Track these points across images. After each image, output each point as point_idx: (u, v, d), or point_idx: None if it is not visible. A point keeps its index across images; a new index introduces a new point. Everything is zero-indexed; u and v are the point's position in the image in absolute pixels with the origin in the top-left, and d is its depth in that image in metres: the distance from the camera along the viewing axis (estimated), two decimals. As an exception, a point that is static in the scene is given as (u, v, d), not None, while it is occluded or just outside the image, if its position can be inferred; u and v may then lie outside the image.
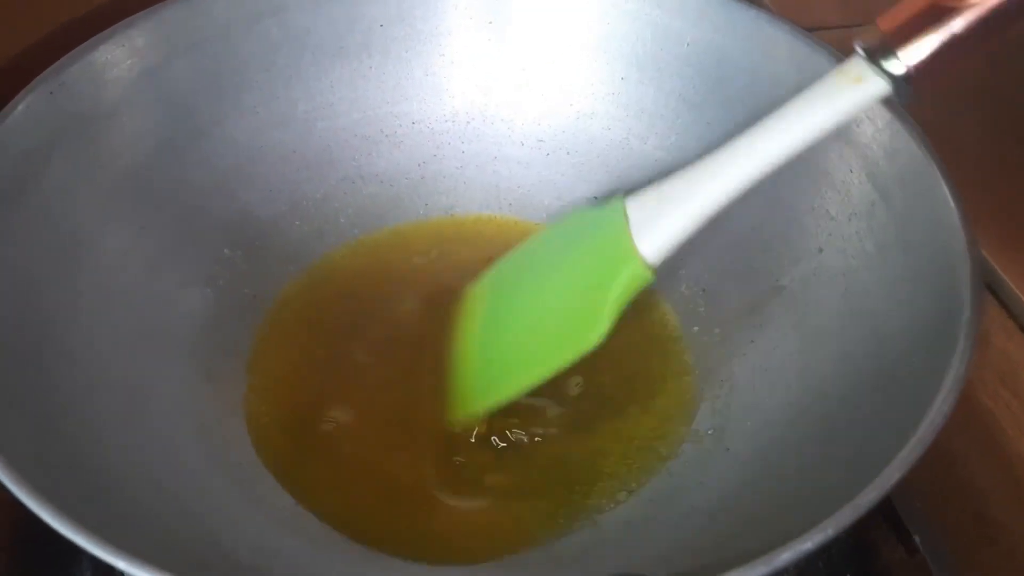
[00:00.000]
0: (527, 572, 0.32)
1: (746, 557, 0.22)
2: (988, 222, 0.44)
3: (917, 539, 0.39)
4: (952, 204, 0.31)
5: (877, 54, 0.29)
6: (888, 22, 0.29)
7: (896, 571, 0.38)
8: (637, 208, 0.34)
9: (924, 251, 0.32)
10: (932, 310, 0.30)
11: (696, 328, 0.40)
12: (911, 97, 0.29)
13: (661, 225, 0.33)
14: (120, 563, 0.22)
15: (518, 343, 0.37)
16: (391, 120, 0.45)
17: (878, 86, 0.29)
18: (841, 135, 0.37)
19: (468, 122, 0.46)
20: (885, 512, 0.40)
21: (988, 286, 0.43)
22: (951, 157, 0.34)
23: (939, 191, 0.32)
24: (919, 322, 0.31)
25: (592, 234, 0.36)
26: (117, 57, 0.37)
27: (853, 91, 0.29)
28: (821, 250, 0.37)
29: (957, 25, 0.27)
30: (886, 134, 0.35)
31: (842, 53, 0.38)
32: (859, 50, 0.29)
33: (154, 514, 0.29)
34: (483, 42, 0.45)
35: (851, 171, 0.36)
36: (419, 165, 0.45)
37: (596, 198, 0.45)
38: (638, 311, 0.42)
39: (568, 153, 0.45)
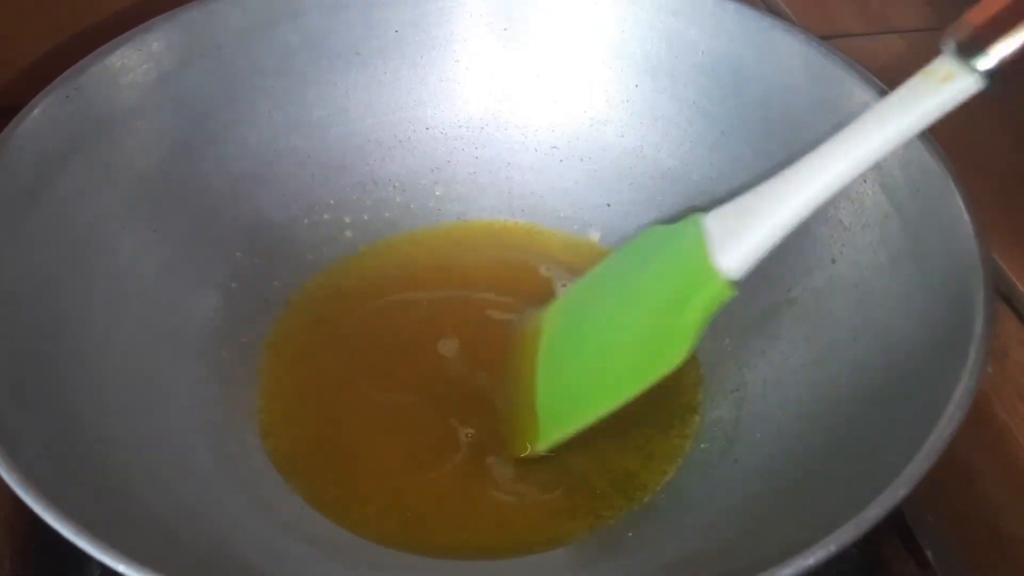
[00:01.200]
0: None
1: (746, 572, 0.22)
2: (1006, 233, 0.44)
3: (929, 554, 0.38)
4: (966, 216, 0.31)
5: (967, 50, 0.28)
6: (979, 16, 0.28)
7: (907, 586, 0.38)
8: (716, 224, 0.32)
9: (937, 262, 0.32)
10: (945, 322, 0.30)
11: (707, 338, 0.40)
12: (1001, 90, 0.28)
13: (743, 239, 0.31)
14: (122, 567, 0.22)
15: (595, 369, 0.36)
16: (405, 125, 0.45)
17: (968, 83, 0.28)
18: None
19: (482, 128, 0.46)
20: (897, 527, 0.39)
21: (1006, 299, 0.43)
22: (969, 168, 0.34)
23: (953, 202, 0.32)
24: (932, 334, 0.31)
25: (668, 252, 0.34)
26: (134, 61, 0.38)
27: (942, 90, 0.28)
28: (834, 261, 0.37)
29: None
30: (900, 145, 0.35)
31: (863, 63, 0.38)
32: (948, 47, 0.29)
33: (162, 516, 0.29)
34: (498, 49, 0.45)
35: (865, 181, 0.36)
36: (432, 171, 0.46)
37: (609, 205, 0.45)
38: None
39: (581, 160, 0.45)
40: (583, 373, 0.36)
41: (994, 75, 0.28)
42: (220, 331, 0.39)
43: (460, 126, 0.46)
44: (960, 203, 0.31)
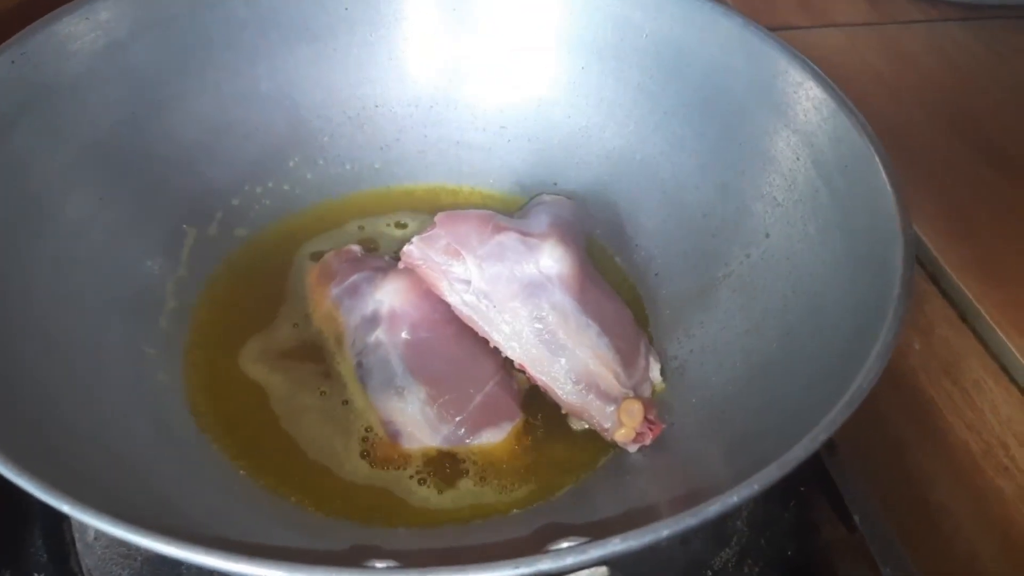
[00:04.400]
0: (480, 536, 0.33)
1: (678, 508, 0.23)
2: (933, 217, 0.46)
3: (857, 519, 0.40)
4: (889, 188, 0.32)
5: None
6: None
7: (836, 549, 0.39)
8: None
9: (863, 233, 0.33)
10: (869, 288, 0.31)
11: (648, 310, 0.41)
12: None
13: None
14: (66, 508, 0.22)
15: None
16: (354, 102, 0.45)
17: None
18: (789, 123, 0.38)
19: (431, 107, 0.46)
20: (828, 494, 0.41)
21: (932, 278, 0.45)
22: (904, 156, 0.36)
23: (878, 176, 0.33)
24: (857, 299, 0.32)
25: None
26: (81, 29, 0.38)
27: None
28: (768, 235, 0.38)
29: None
30: (831, 123, 0.36)
31: (804, 52, 0.39)
32: None
33: (104, 474, 0.29)
34: (448, 28, 0.45)
35: (798, 159, 0.37)
36: (381, 148, 0.46)
37: (556, 184, 0.46)
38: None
39: (529, 140, 0.46)
40: None
41: None
42: (165, 299, 0.39)
43: (409, 104, 0.46)
44: (884, 176, 0.33)
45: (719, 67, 0.41)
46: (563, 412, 0.37)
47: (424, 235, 0.37)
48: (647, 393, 0.37)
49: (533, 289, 0.36)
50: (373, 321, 0.38)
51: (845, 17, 0.62)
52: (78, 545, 0.36)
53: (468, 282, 0.36)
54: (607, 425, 0.35)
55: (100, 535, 0.35)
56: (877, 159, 0.34)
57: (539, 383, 0.36)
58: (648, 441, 0.35)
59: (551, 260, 0.36)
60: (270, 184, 0.44)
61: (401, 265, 0.37)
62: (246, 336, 0.40)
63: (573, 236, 0.37)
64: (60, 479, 0.24)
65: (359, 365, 0.38)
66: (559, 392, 0.35)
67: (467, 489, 0.35)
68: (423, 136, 0.46)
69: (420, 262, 0.37)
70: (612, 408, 0.35)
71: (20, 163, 0.35)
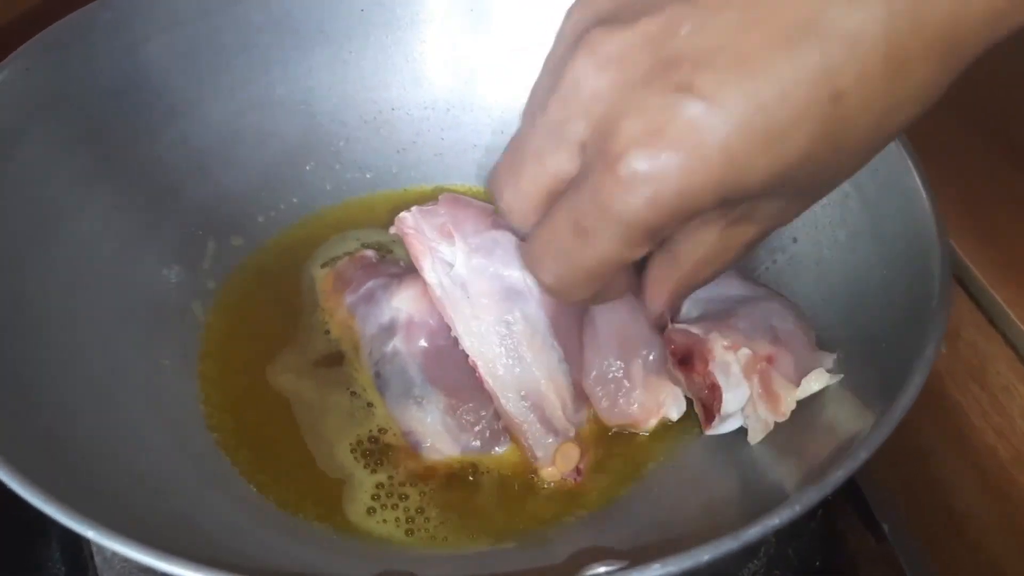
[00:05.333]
0: (508, 553, 0.32)
1: (718, 533, 0.22)
2: (960, 218, 0.45)
3: (886, 527, 0.39)
4: (923, 193, 0.32)
5: None
6: None
7: (864, 559, 0.39)
8: None
9: (895, 240, 0.33)
10: (903, 297, 0.31)
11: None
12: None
13: None
14: (91, 533, 0.22)
15: None
16: (370, 106, 0.45)
17: None
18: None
19: (448, 109, 0.46)
20: (855, 502, 0.40)
21: (959, 280, 0.44)
22: (929, 155, 0.35)
23: (910, 180, 0.32)
24: (890, 309, 0.31)
25: None
26: (93, 36, 0.37)
27: None
28: (795, 240, 0.37)
29: None
30: (860, 125, 0.35)
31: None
32: None
33: (122, 490, 0.29)
34: (464, 29, 0.45)
35: (825, 162, 0.37)
36: (398, 152, 0.46)
37: (574, 188, 0.45)
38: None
39: (547, 143, 0.46)
40: None
41: None
42: (179, 309, 0.38)
43: (426, 107, 0.46)
44: (917, 181, 0.32)
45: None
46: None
47: (424, 207, 0.37)
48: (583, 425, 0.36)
49: (511, 294, 0.35)
50: (390, 330, 0.38)
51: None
52: (96, 559, 0.36)
53: (451, 265, 0.35)
54: (539, 454, 0.34)
55: (119, 550, 0.35)
56: (909, 161, 0.33)
57: (486, 386, 0.35)
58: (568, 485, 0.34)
59: (537, 274, 0.35)
60: (286, 190, 0.43)
61: (392, 230, 0.37)
62: (267, 345, 0.39)
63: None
64: (81, 501, 0.24)
65: (377, 375, 0.37)
66: (502, 400, 0.35)
67: (490, 500, 0.35)
68: (440, 139, 0.46)
69: (411, 231, 0.36)
70: (551, 440, 0.34)
71: (34, 173, 0.34)
